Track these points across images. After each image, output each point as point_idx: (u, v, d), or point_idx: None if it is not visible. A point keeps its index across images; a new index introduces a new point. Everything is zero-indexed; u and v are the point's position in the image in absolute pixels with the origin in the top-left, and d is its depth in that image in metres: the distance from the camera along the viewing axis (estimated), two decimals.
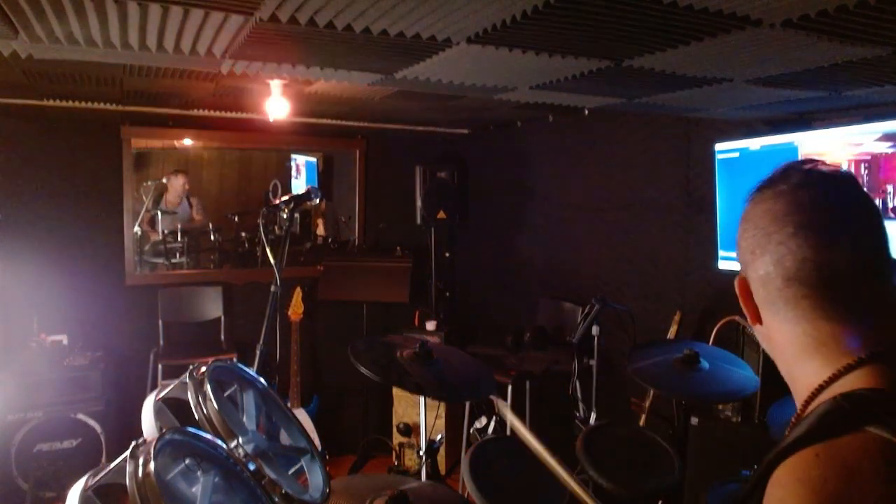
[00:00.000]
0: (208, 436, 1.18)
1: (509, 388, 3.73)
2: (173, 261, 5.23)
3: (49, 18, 1.62)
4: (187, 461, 1.08)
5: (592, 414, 3.05)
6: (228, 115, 3.98)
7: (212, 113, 3.92)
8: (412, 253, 4.71)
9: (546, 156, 4.40)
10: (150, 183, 5.47)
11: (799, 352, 0.84)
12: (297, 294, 4.34)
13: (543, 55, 1.88)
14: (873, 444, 0.69)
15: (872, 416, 0.71)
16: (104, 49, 1.87)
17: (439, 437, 2.60)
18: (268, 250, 2.47)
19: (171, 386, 1.33)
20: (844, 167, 2.53)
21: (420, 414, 2.75)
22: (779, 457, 0.74)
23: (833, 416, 0.74)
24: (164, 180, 5.52)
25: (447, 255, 5.14)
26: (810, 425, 0.75)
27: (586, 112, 3.51)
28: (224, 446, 1.18)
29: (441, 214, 4.75)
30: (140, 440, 1.05)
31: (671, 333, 3.27)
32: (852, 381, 0.78)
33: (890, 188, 2.42)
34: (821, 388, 0.80)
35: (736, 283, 0.90)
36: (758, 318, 0.88)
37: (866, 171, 2.47)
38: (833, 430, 0.72)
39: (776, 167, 0.89)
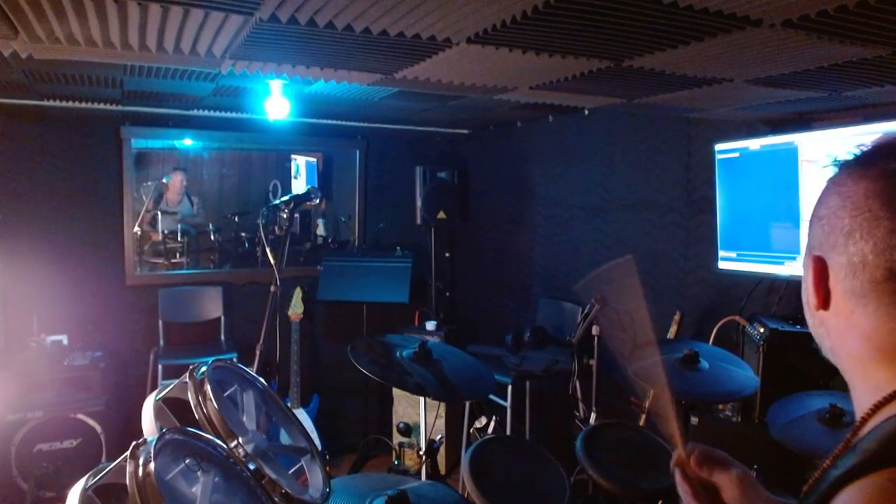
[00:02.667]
0: (208, 436, 1.18)
1: (509, 388, 3.73)
2: (173, 261, 5.24)
3: (49, 18, 1.62)
4: (187, 461, 1.08)
5: (592, 414, 3.05)
6: (228, 115, 3.98)
7: (212, 113, 3.92)
8: (412, 253, 4.71)
9: (546, 156, 4.40)
10: (150, 183, 5.48)
11: (877, 353, 0.75)
12: (297, 294, 4.34)
13: (543, 55, 1.88)
14: None
15: None
16: (104, 49, 1.87)
17: (439, 437, 2.60)
18: (268, 250, 2.47)
19: (171, 386, 1.33)
20: None
21: (420, 414, 2.75)
22: (847, 477, 0.66)
23: None
24: (165, 180, 5.54)
25: (447, 255, 5.14)
26: (883, 444, 0.67)
27: (586, 112, 3.51)
28: (224, 446, 1.18)
29: (441, 214, 4.75)
30: (140, 440, 1.05)
31: (671, 334, 3.27)
32: None
33: None
34: (891, 398, 0.73)
35: (810, 261, 0.80)
36: (824, 304, 0.79)
37: None
38: None
39: (883, 137, 0.79)
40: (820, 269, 0.78)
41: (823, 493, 0.68)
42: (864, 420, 0.74)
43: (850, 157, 0.80)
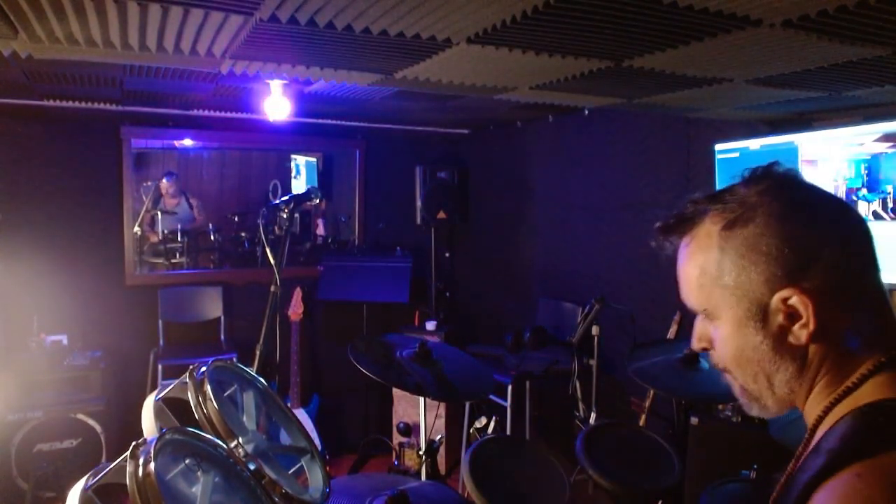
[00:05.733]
0: (208, 436, 1.17)
1: (509, 388, 3.73)
2: (173, 261, 5.23)
3: (49, 18, 1.62)
4: (187, 461, 1.08)
5: (592, 414, 3.05)
6: (228, 115, 3.98)
7: (212, 113, 3.92)
8: (412, 253, 4.71)
9: (546, 156, 4.40)
10: (150, 183, 5.48)
11: (848, 358, 0.76)
12: (297, 294, 4.34)
13: (543, 55, 1.88)
14: None
15: None
16: (104, 49, 1.87)
17: (439, 437, 2.60)
18: (268, 250, 2.47)
19: (171, 386, 1.33)
20: (844, 167, 2.53)
21: (420, 414, 2.75)
22: (817, 480, 0.68)
23: (869, 432, 0.69)
24: (165, 181, 5.53)
25: (447, 255, 5.14)
26: (844, 442, 0.69)
27: (586, 112, 3.51)
28: (224, 446, 1.18)
29: (441, 214, 4.75)
30: (140, 440, 1.05)
31: (671, 334, 3.26)
32: (879, 388, 0.73)
33: (890, 188, 2.42)
34: (842, 396, 0.75)
35: (795, 300, 0.75)
36: (821, 333, 0.75)
37: (866, 172, 2.47)
38: (872, 446, 0.67)
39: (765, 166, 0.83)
40: (809, 299, 0.75)
41: (796, 499, 0.70)
42: (820, 419, 0.76)
43: (747, 193, 0.80)
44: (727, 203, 0.81)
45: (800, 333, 0.76)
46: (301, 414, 4.20)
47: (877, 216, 2.45)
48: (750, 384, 0.82)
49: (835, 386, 0.77)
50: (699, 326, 0.88)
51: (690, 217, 0.85)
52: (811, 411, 0.79)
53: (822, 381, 0.78)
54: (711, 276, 0.82)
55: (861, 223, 0.80)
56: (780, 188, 0.80)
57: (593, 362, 3.20)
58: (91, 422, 3.66)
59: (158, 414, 1.27)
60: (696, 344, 0.88)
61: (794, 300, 0.75)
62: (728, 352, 0.82)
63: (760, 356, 0.79)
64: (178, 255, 5.28)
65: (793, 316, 0.76)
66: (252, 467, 1.19)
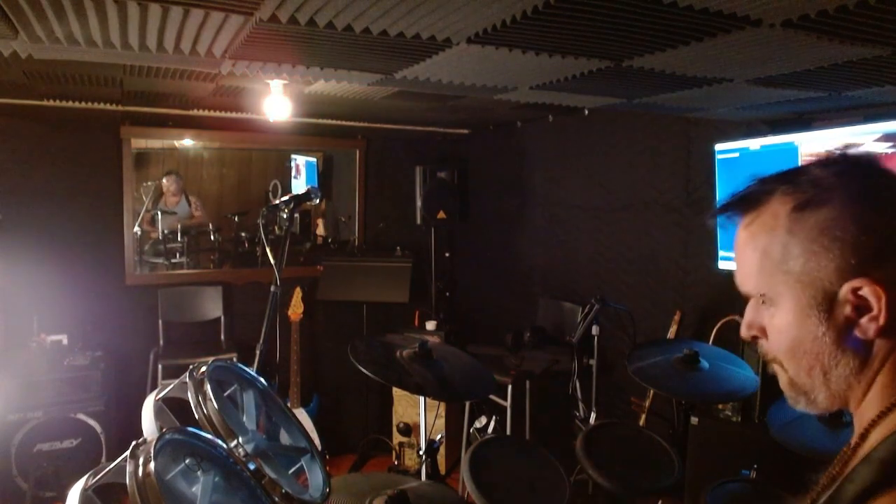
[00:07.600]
0: (208, 436, 1.18)
1: (509, 388, 3.73)
2: (173, 261, 5.23)
3: (49, 18, 1.62)
4: (187, 461, 1.08)
5: (592, 414, 3.05)
6: (228, 115, 3.98)
7: (212, 113, 3.92)
8: (412, 253, 4.71)
9: (546, 156, 4.40)
10: (150, 183, 5.48)
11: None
12: (297, 294, 4.34)
13: (543, 55, 1.88)
14: None
15: None
16: (104, 49, 1.87)
17: (439, 437, 2.60)
18: (268, 250, 2.47)
19: (171, 386, 1.33)
20: None
21: (420, 414, 2.75)
22: (868, 493, 0.64)
23: None
24: (164, 180, 5.53)
25: (447, 255, 5.14)
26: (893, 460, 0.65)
27: (586, 112, 3.51)
28: (224, 446, 1.18)
29: (441, 214, 4.75)
30: (140, 440, 1.05)
31: (671, 333, 3.27)
32: None
33: None
34: (890, 409, 0.70)
35: (866, 291, 0.70)
36: (893, 329, 0.71)
37: None
38: None
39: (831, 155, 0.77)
40: (883, 291, 0.70)
41: None
42: (873, 424, 0.71)
43: (814, 179, 0.75)
44: (798, 183, 0.75)
45: (868, 327, 0.71)
46: (301, 414, 4.20)
47: None
48: (802, 377, 0.77)
49: (895, 388, 0.72)
50: (750, 313, 0.82)
51: (755, 196, 0.79)
52: (865, 413, 0.74)
53: (882, 381, 0.73)
54: (775, 261, 0.76)
55: None
56: (859, 171, 0.75)
57: (593, 362, 3.20)
58: (91, 422, 3.66)
59: (158, 414, 1.27)
60: (745, 332, 0.83)
61: (866, 291, 0.70)
62: (784, 342, 0.77)
63: (820, 349, 0.74)
64: (178, 255, 5.28)
65: (861, 308, 0.71)
66: (252, 467, 1.19)
